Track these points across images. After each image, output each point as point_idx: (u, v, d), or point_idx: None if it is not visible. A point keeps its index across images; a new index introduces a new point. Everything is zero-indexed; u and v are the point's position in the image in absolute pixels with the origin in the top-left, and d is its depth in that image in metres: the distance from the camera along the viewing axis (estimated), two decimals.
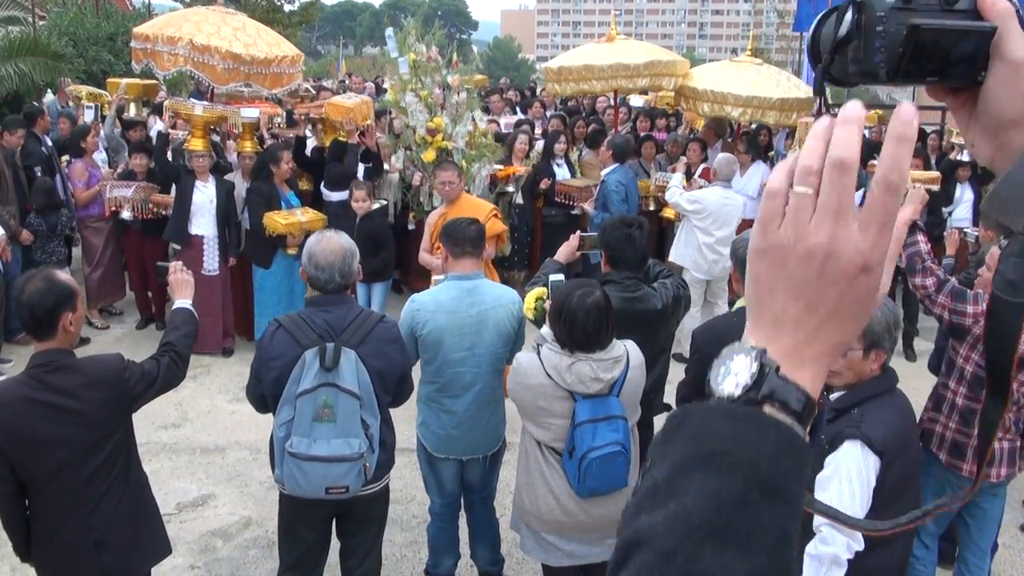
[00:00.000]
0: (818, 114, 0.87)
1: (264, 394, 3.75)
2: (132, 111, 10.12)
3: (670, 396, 4.83)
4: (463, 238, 4.36)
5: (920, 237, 4.29)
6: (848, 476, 2.96)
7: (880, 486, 3.01)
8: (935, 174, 8.80)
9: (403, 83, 8.91)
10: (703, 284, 8.18)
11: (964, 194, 9.72)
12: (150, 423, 6.79)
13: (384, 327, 3.80)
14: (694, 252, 8.10)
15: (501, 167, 9.31)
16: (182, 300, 3.81)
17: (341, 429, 3.60)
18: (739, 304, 4.06)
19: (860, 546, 2.90)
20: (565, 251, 4.68)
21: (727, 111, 9.37)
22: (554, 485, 3.67)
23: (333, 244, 3.74)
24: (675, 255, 8.30)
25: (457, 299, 4.24)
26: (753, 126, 10.61)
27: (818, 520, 2.84)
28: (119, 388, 3.37)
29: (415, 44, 8.85)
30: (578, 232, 4.77)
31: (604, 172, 8.09)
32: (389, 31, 9.36)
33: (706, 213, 7.91)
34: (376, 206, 7.95)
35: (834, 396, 3.27)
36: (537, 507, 3.74)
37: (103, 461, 3.36)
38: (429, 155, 8.76)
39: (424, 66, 8.86)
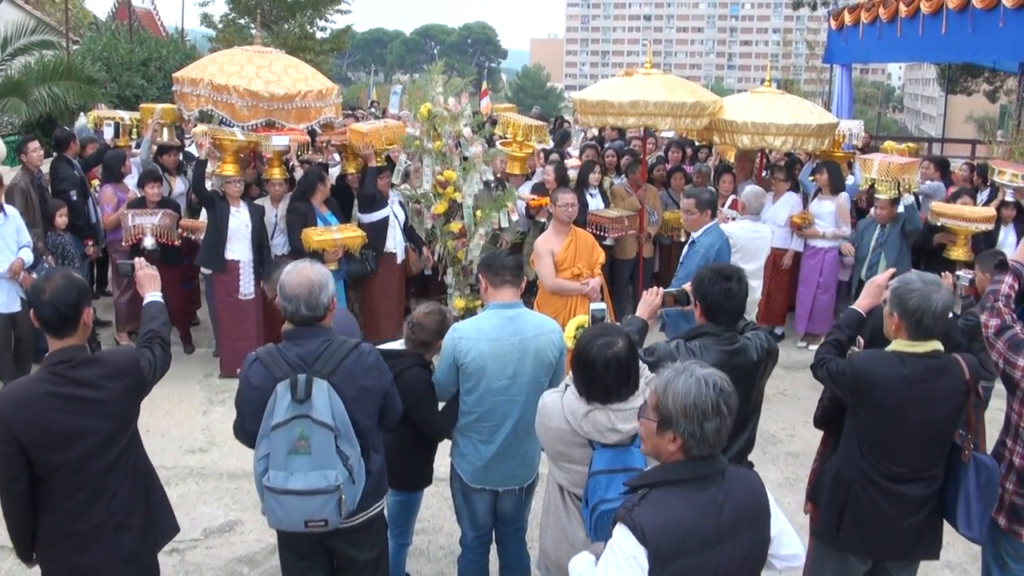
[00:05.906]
0: None
1: (249, 430, 3.65)
2: (165, 136, 10.18)
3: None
4: (503, 267, 4.31)
5: (1008, 278, 3.92)
6: (616, 561, 2.61)
7: None
8: (990, 212, 8.51)
9: (409, 142, 8.53)
10: None
11: (1008, 237, 8.69)
12: (178, 447, 6.79)
13: (358, 354, 3.66)
14: None
15: (533, 197, 9.20)
16: (152, 294, 4.07)
17: (317, 461, 3.48)
18: (893, 347, 3.80)
19: None
20: (647, 308, 4.36)
21: (768, 141, 9.15)
22: (569, 532, 3.54)
23: (302, 276, 3.62)
24: None
25: (499, 327, 4.19)
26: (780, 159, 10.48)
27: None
28: (139, 376, 3.58)
29: (436, 93, 8.45)
30: (660, 288, 4.44)
31: (696, 233, 6.88)
32: (397, 88, 9.07)
33: (736, 247, 7.77)
34: None
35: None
36: (554, 551, 3.62)
37: (123, 448, 3.53)
38: (440, 207, 8.43)
39: (441, 117, 8.44)
